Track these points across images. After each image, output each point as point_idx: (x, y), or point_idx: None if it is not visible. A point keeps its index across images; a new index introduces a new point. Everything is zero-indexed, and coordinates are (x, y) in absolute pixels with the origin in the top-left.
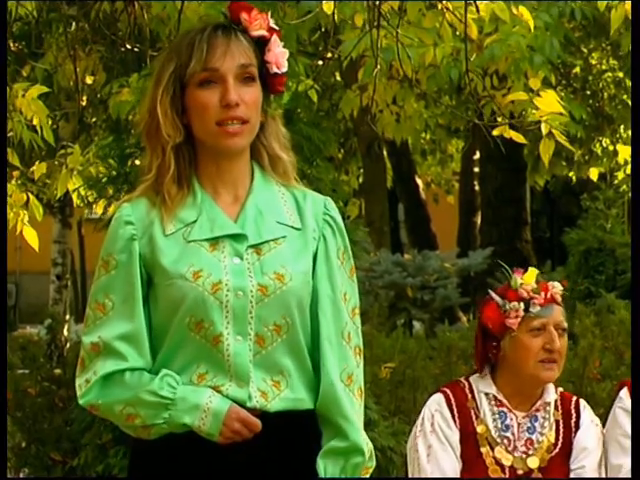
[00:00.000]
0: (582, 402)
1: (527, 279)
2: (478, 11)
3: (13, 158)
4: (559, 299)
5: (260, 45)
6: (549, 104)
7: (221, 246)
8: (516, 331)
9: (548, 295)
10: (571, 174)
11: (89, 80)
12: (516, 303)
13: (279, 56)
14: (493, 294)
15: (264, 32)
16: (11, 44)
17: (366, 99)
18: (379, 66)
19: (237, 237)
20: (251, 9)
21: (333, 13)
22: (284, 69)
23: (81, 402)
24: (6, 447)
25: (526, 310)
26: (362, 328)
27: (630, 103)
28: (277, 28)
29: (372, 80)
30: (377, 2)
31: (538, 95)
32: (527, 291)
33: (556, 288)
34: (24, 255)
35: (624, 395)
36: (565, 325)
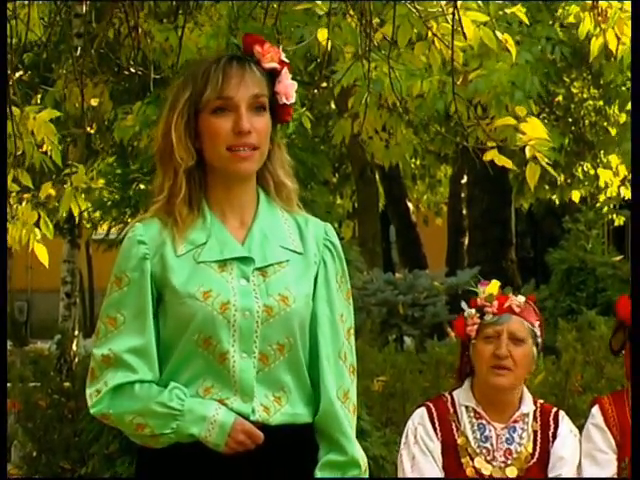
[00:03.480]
0: (561, 413)
1: (489, 289)
2: (465, 37)
3: (23, 177)
4: (517, 310)
5: (271, 76)
6: (534, 129)
7: (229, 268)
8: (475, 339)
9: (505, 305)
10: (554, 197)
11: (94, 102)
12: (473, 310)
13: (289, 87)
14: (463, 304)
15: (275, 64)
16: (22, 72)
17: (357, 126)
18: (369, 91)
19: (244, 260)
20: (264, 42)
21: (327, 41)
22: (292, 100)
23: (92, 411)
24: (5, 450)
25: (481, 318)
26: (355, 343)
27: (610, 130)
28: (288, 61)
29: (363, 108)
30: (369, 31)
31: (524, 121)
32: (481, 299)
33: (516, 300)
34: (35, 274)
35: (595, 412)
36: (521, 335)
